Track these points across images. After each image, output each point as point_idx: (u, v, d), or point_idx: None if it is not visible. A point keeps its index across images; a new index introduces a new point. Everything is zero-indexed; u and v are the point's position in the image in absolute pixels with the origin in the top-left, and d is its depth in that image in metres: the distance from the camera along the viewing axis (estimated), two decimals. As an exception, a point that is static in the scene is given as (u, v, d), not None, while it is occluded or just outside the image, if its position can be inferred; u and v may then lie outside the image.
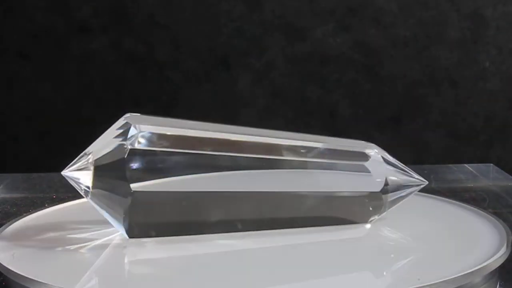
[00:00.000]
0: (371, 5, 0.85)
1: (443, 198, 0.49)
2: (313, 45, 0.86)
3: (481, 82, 0.87)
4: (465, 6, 0.85)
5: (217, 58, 0.86)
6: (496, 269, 0.39)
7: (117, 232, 0.42)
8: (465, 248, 0.41)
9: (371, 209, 0.44)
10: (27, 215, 0.46)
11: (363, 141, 0.45)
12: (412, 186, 0.44)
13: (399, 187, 0.44)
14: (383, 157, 0.44)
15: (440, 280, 0.36)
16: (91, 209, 0.43)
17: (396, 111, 0.87)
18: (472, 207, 0.47)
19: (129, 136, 0.41)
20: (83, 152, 0.41)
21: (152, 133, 0.41)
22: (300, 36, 0.86)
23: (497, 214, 0.47)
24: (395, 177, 0.44)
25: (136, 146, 0.41)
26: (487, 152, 0.87)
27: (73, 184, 0.41)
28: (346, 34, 0.86)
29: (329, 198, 0.44)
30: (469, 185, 0.58)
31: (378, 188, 0.44)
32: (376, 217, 0.44)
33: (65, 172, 0.41)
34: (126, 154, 0.40)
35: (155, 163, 0.41)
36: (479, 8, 0.85)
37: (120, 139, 0.41)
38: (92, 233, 0.43)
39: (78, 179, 0.41)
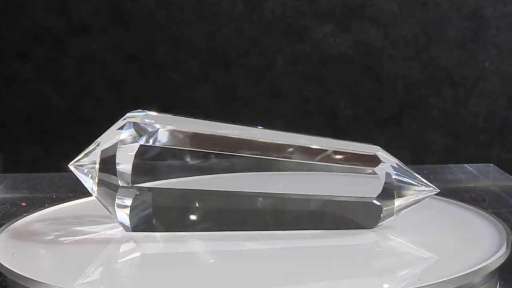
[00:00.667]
0: (371, 5, 0.85)
1: (443, 198, 0.49)
2: (313, 45, 0.86)
3: (481, 82, 0.87)
4: (465, 6, 0.85)
5: (217, 58, 0.86)
6: (496, 269, 0.39)
7: (117, 228, 0.42)
8: (465, 248, 0.41)
9: (377, 214, 0.44)
10: (27, 215, 0.46)
11: (371, 145, 0.44)
12: (421, 193, 0.44)
13: (408, 193, 0.43)
14: (391, 163, 0.43)
15: (440, 280, 0.36)
16: (91, 209, 0.43)
17: (396, 111, 0.87)
18: (472, 207, 0.47)
19: (136, 133, 0.41)
20: (90, 146, 0.42)
21: (162, 131, 0.41)
22: (300, 36, 0.86)
23: (497, 214, 0.46)
24: (403, 183, 0.43)
25: (145, 143, 0.41)
26: (487, 152, 0.87)
27: (78, 177, 0.42)
28: (346, 34, 0.86)
29: (335, 202, 0.44)
30: (469, 185, 0.58)
31: (385, 193, 0.43)
32: (383, 222, 0.44)
33: (72, 165, 0.42)
34: (135, 151, 0.41)
35: (163, 161, 0.42)
36: (479, 8, 0.85)
37: (126, 136, 0.41)
38: (92, 232, 0.43)
39: (87, 174, 0.41)
